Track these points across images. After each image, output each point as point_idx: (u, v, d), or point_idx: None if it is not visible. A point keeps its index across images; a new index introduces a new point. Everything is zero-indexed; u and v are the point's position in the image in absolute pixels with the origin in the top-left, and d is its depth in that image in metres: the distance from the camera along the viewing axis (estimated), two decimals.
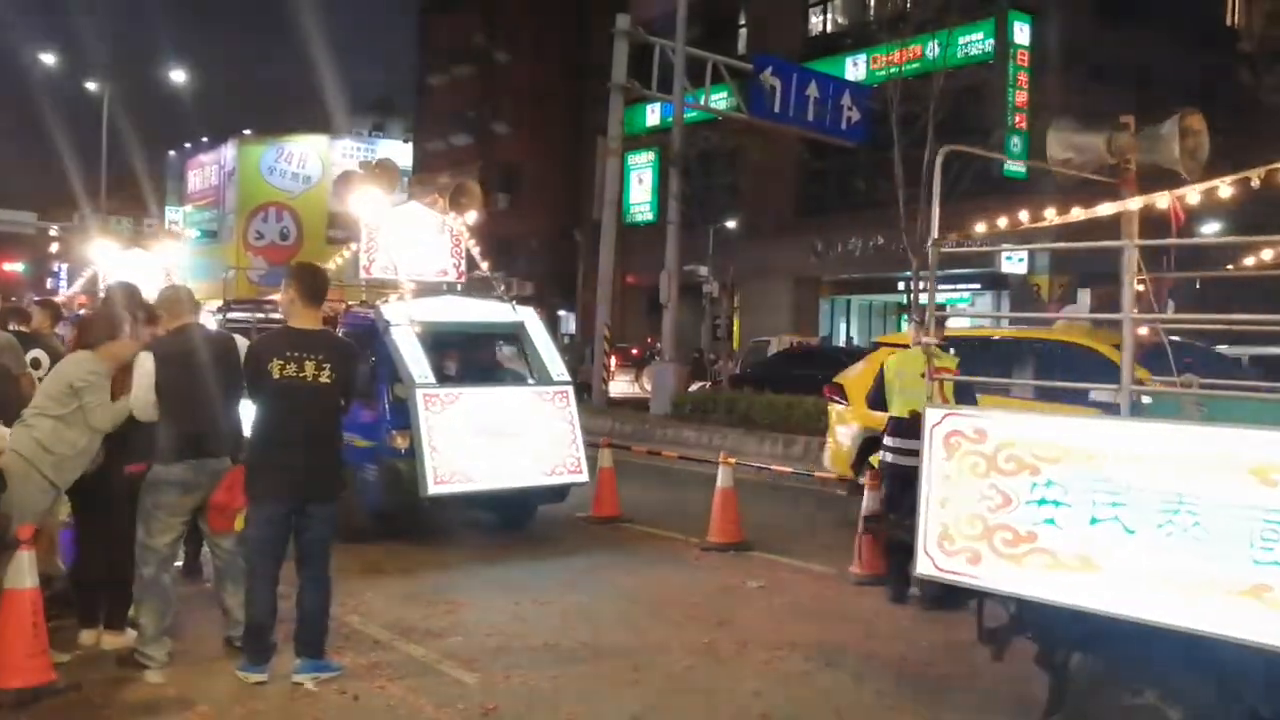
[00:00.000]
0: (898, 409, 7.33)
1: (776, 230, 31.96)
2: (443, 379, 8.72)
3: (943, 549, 4.55)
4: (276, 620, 5.57)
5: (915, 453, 7.08)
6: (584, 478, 8.93)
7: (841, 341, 32.82)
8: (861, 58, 28.89)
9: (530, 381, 9.35)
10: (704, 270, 27.73)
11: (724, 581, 7.86)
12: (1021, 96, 27.55)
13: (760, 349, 27.17)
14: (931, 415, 4.67)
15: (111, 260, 13.40)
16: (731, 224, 32.67)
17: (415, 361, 8.46)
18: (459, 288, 10.07)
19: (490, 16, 45.50)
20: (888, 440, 7.41)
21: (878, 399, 7.62)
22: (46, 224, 37.16)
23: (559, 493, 9.15)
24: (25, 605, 4.89)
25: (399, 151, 51.26)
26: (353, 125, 53.71)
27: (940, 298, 30.41)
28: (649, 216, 36.28)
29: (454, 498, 8.36)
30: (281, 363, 5.39)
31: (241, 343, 5.87)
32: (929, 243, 5.49)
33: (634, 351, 31.70)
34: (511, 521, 9.64)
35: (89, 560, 5.88)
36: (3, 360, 6.16)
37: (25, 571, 4.89)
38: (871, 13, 29.69)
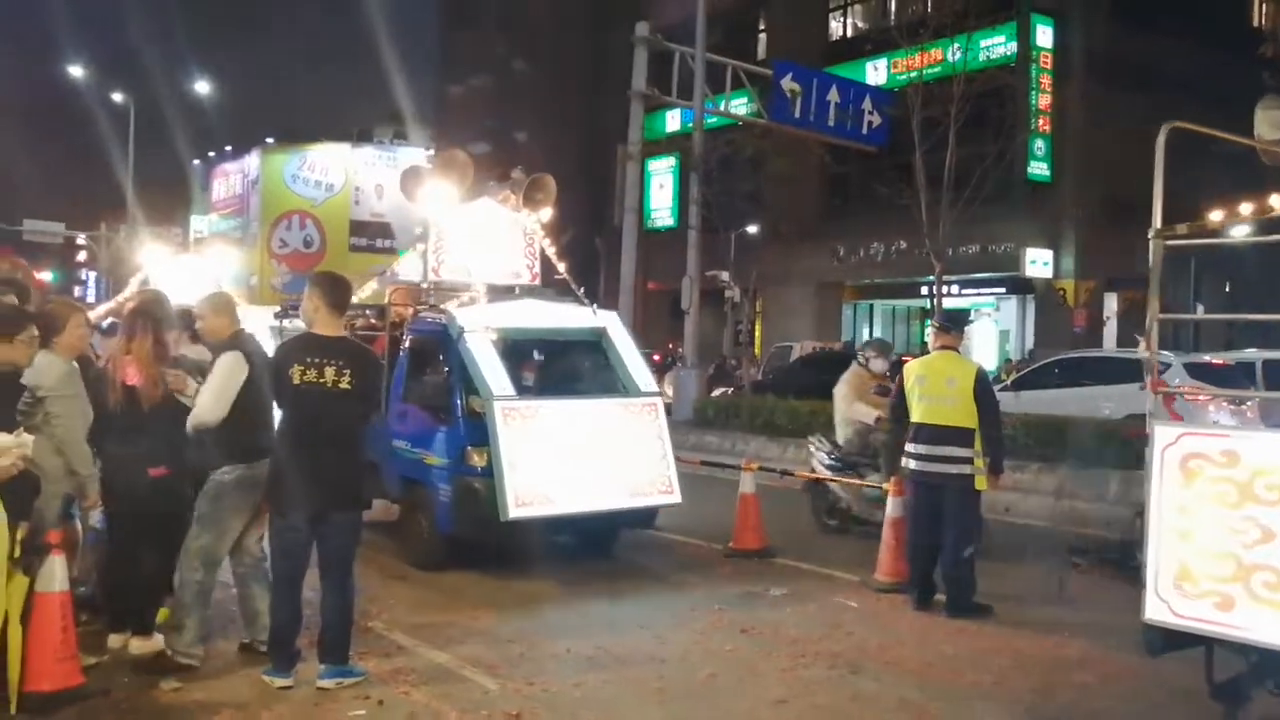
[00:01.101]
0: (919, 416, 7.30)
1: (798, 235, 31.90)
2: (520, 390, 8.07)
3: (1181, 591, 3.95)
4: (302, 626, 5.61)
5: (938, 459, 7.15)
6: (676, 499, 8.19)
7: None
8: (882, 62, 28.85)
9: (616, 393, 8.55)
10: (725, 275, 27.72)
11: (747, 588, 7.85)
12: (1045, 99, 27.44)
13: (782, 354, 27.13)
14: (1162, 435, 4.12)
15: (162, 266, 13.40)
16: (753, 229, 32.64)
17: (493, 371, 7.80)
18: (528, 291, 9.32)
19: (510, 25, 45.66)
20: (910, 448, 7.36)
21: (899, 406, 7.58)
22: (74, 233, 37.51)
23: (648, 516, 8.40)
24: (55, 609, 4.94)
25: (421, 160, 51.49)
26: (374, 134, 54.05)
27: (963, 302, 30.32)
28: (670, 222, 36.32)
29: (536, 522, 7.63)
30: (301, 369, 5.43)
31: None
32: (1150, 234, 4.85)
33: (656, 357, 31.67)
34: (592, 546, 8.79)
35: (118, 565, 5.93)
36: None
37: (56, 576, 4.95)
38: (893, 17, 29.65)
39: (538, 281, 9.39)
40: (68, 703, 4.96)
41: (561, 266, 9.54)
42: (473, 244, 8.90)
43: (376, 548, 8.57)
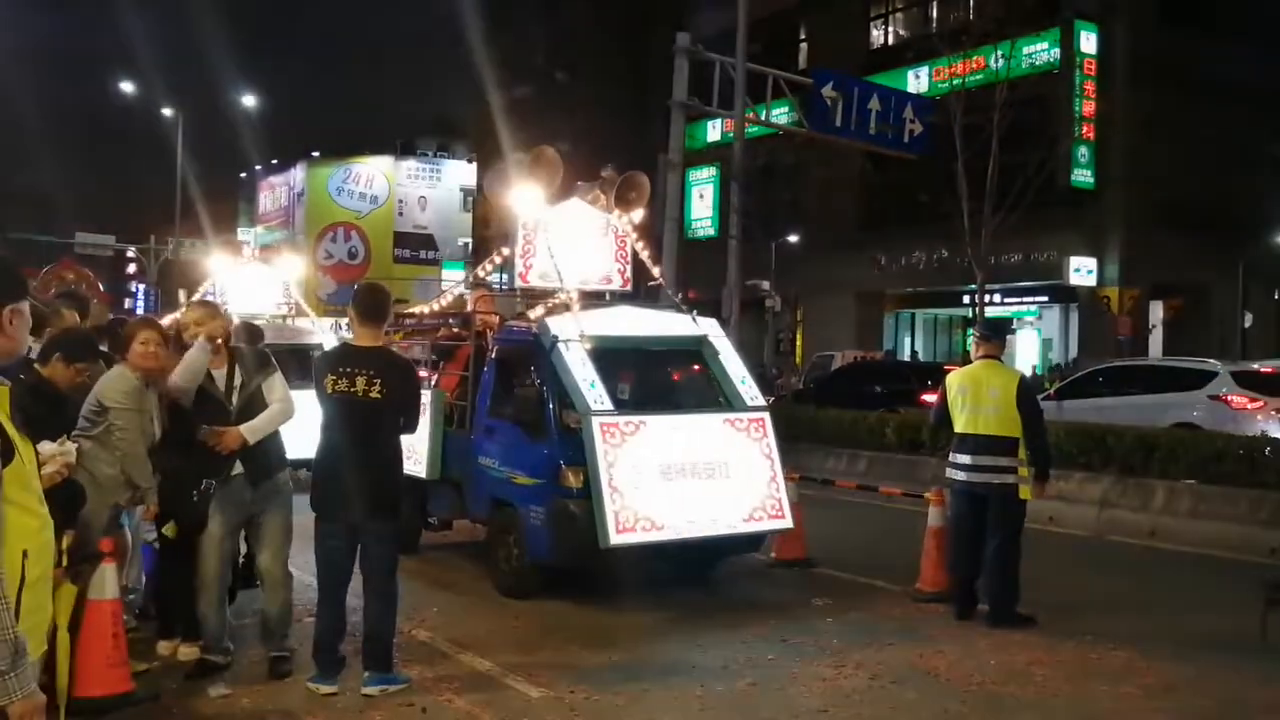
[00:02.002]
0: (961, 426, 7.25)
1: (839, 244, 31.81)
2: (617, 404, 7.45)
3: None
4: (345, 634, 5.68)
5: (982, 469, 7.11)
6: (787, 523, 7.64)
7: (906, 356, 32.52)
8: (924, 70, 28.71)
9: (721, 407, 7.91)
10: (766, 285, 27.68)
11: (788, 598, 7.83)
12: (1088, 106, 27.18)
13: (824, 364, 27.03)
14: None
15: (230, 275, 12.96)
16: (794, 238, 32.59)
17: (589, 384, 7.24)
18: (618, 297, 8.74)
19: (551, 37, 45.93)
20: (954, 458, 7.32)
21: (941, 416, 7.54)
22: (124, 246, 38.16)
23: (755, 541, 7.90)
24: (106, 616, 5.04)
25: (464, 172, 51.97)
26: (417, 146, 54.59)
27: (1006, 311, 30.07)
28: (710, 231, 36.31)
29: (639, 549, 7.04)
30: (334, 378, 5.54)
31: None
32: None
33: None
34: (689, 570, 8.17)
35: (169, 573, 6.05)
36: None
37: (107, 583, 5.05)
38: (934, 25, 29.52)
39: (629, 287, 8.83)
40: (117, 709, 5.06)
41: (656, 271, 8.92)
42: (562, 247, 8.26)
43: (450, 567, 8.59)
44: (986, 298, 25.14)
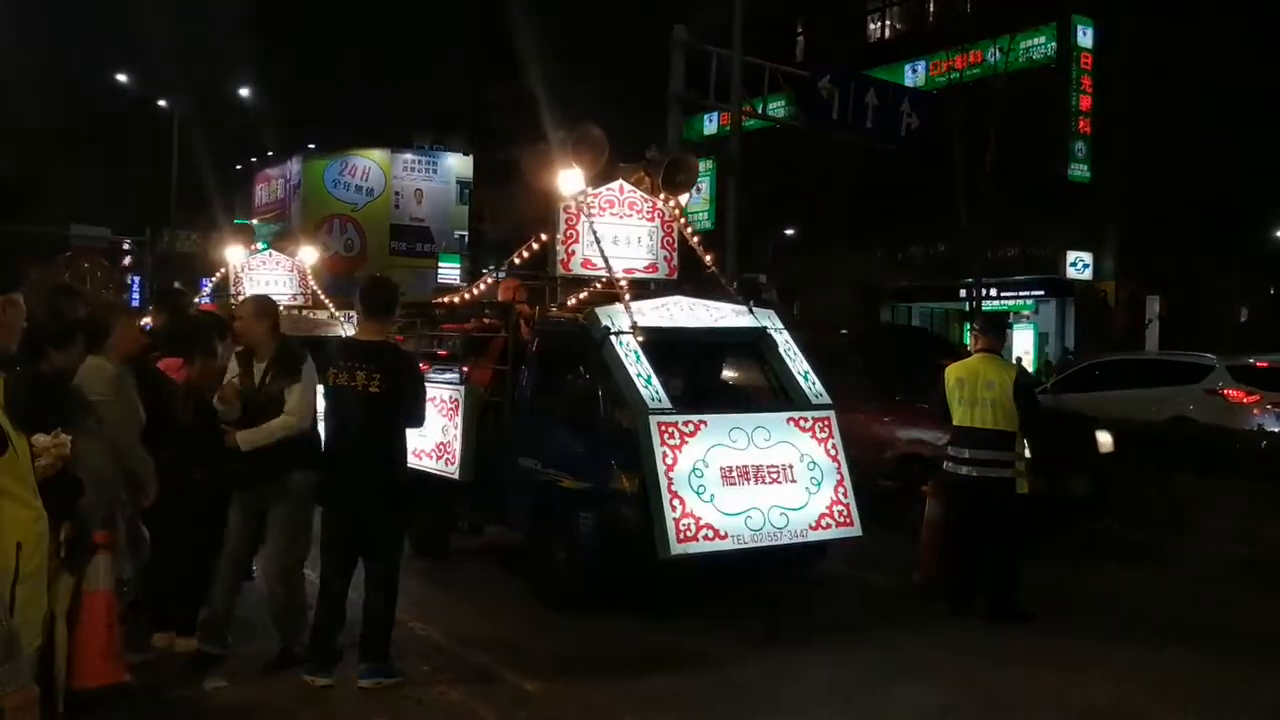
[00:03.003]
0: (959, 419, 7.25)
1: (836, 237, 31.80)
2: (673, 402, 6.92)
3: None
4: (343, 626, 5.68)
5: (979, 463, 7.10)
6: (856, 531, 7.08)
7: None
8: (921, 64, 28.69)
9: (783, 404, 7.38)
10: (763, 278, 27.66)
11: (783, 588, 7.81)
12: (1085, 100, 27.18)
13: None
14: None
15: (244, 264, 12.38)
16: (790, 231, 32.57)
17: (645, 380, 6.75)
18: (663, 286, 8.16)
19: (547, 29, 45.79)
20: (951, 451, 7.31)
21: (943, 409, 7.52)
22: (120, 238, 38.07)
23: (821, 550, 7.31)
24: (101, 608, 5.03)
25: (460, 165, 51.89)
26: (413, 139, 54.50)
27: (1002, 304, 30.07)
28: (707, 224, 36.28)
29: (701, 559, 6.49)
30: (335, 372, 5.57)
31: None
32: None
33: None
34: (747, 581, 7.57)
35: (164, 565, 6.03)
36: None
37: (102, 575, 5.04)
38: (931, 18, 29.49)
39: (675, 276, 8.31)
40: (113, 700, 5.04)
41: (708, 258, 8.40)
42: (606, 232, 7.73)
43: (448, 561, 8.43)
44: (983, 291, 25.17)
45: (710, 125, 34.59)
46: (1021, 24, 24.12)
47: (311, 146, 52.07)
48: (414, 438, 7.59)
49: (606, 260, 7.57)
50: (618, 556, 6.74)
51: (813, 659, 6.23)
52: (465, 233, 49.78)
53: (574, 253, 7.74)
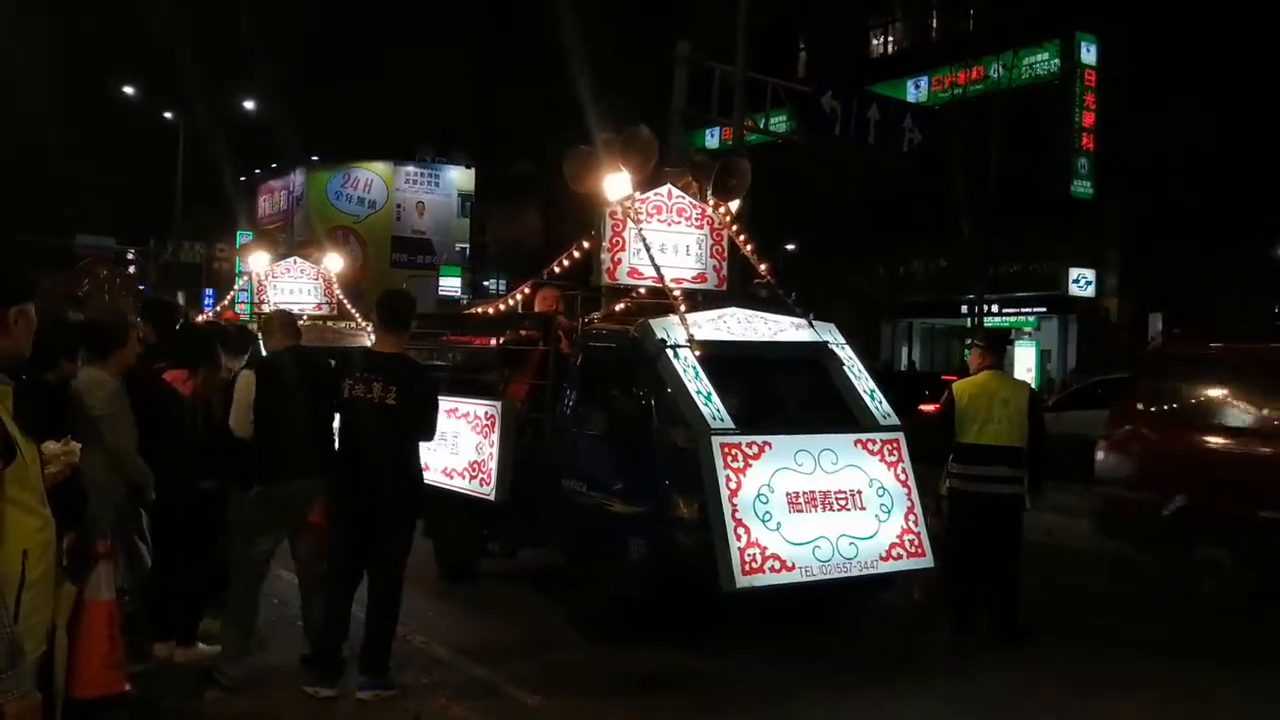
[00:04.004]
0: (971, 436, 7.17)
1: (838, 253, 31.84)
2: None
3: None
4: (347, 637, 5.67)
5: (991, 479, 7.06)
6: (928, 561, 6.64)
7: (903, 365, 32.53)
8: (923, 80, 28.77)
9: (850, 425, 6.89)
10: (764, 294, 27.65)
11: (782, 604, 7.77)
12: (1089, 117, 27.24)
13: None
14: None
15: (268, 271, 11.93)
16: (791, 246, 32.59)
17: (704, 397, 6.32)
18: (711, 297, 7.65)
19: (549, 45, 45.97)
20: (959, 468, 7.24)
21: (944, 426, 7.45)
22: (125, 248, 38.18)
23: (887, 582, 6.82)
24: (103, 617, 5.01)
25: (462, 178, 52.02)
26: (416, 152, 54.64)
27: (1004, 321, 30.08)
28: None
29: (769, 592, 6.05)
30: (351, 383, 5.57)
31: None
32: None
33: None
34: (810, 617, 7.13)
35: (162, 575, 6.02)
36: None
37: (103, 584, 5.03)
38: (934, 34, 29.57)
39: (725, 287, 7.88)
40: (113, 710, 5.03)
41: (762, 267, 7.96)
42: (653, 240, 7.31)
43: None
44: (985, 308, 25.17)
45: (712, 140, 34.66)
46: (1024, 40, 24.19)
47: (314, 158, 52.20)
48: (445, 456, 7.58)
49: (658, 269, 7.18)
50: (672, 587, 6.30)
51: (827, 676, 6.20)
52: (466, 245, 49.88)
53: (620, 261, 7.35)
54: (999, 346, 8.18)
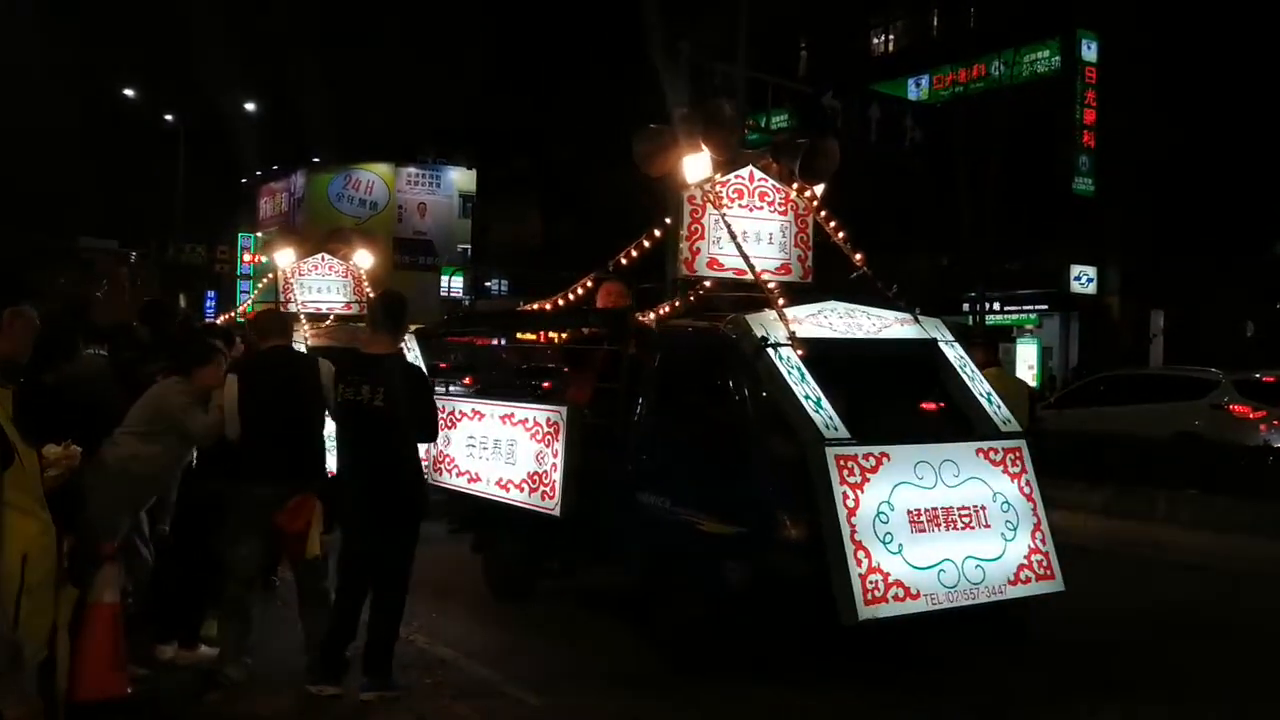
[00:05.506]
0: None
1: (839, 251, 31.84)
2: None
3: None
4: (353, 638, 5.67)
5: None
6: (1058, 585, 5.93)
7: None
8: (924, 78, 28.75)
9: (967, 432, 6.27)
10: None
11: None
12: (1090, 115, 27.23)
13: None
14: None
15: (294, 269, 11.31)
16: None
17: (814, 402, 5.67)
18: (796, 290, 6.96)
19: (551, 43, 45.99)
20: None
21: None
22: (127, 251, 38.23)
23: (1004, 608, 5.96)
24: (107, 619, 5.01)
25: (463, 179, 52.04)
26: (416, 153, 54.67)
27: (1005, 319, 30.06)
28: None
29: (891, 623, 5.40)
30: (343, 385, 5.57)
31: (326, 367, 5.89)
32: None
33: None
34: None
35: (164, 577, 6.03)
36: (96, 386, 6.28)
37: (108, 587, 5.03)
38: (934, 32, 29.56)
39: (810, 278, 7.29)
40: (115, 712, 5.03)
41: (856, 256, 7.36)
42: (734, 227, 6.68)
43: (453, 573, 8.03)
44: (986, 306, 25.15)
45: None
46: (1025, 38, 24.21)
47: (315, 160, 52.22)
48: (500, 466, 7.22)
49: (747, 260, 6.53)
50: (778, 617, 5.66)
51: (840, 676, 6.19)
52: (468, 246, 49.91)
53: (698, 251, 6.68)
54: (993, 343, 8.16)
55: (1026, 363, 26.86)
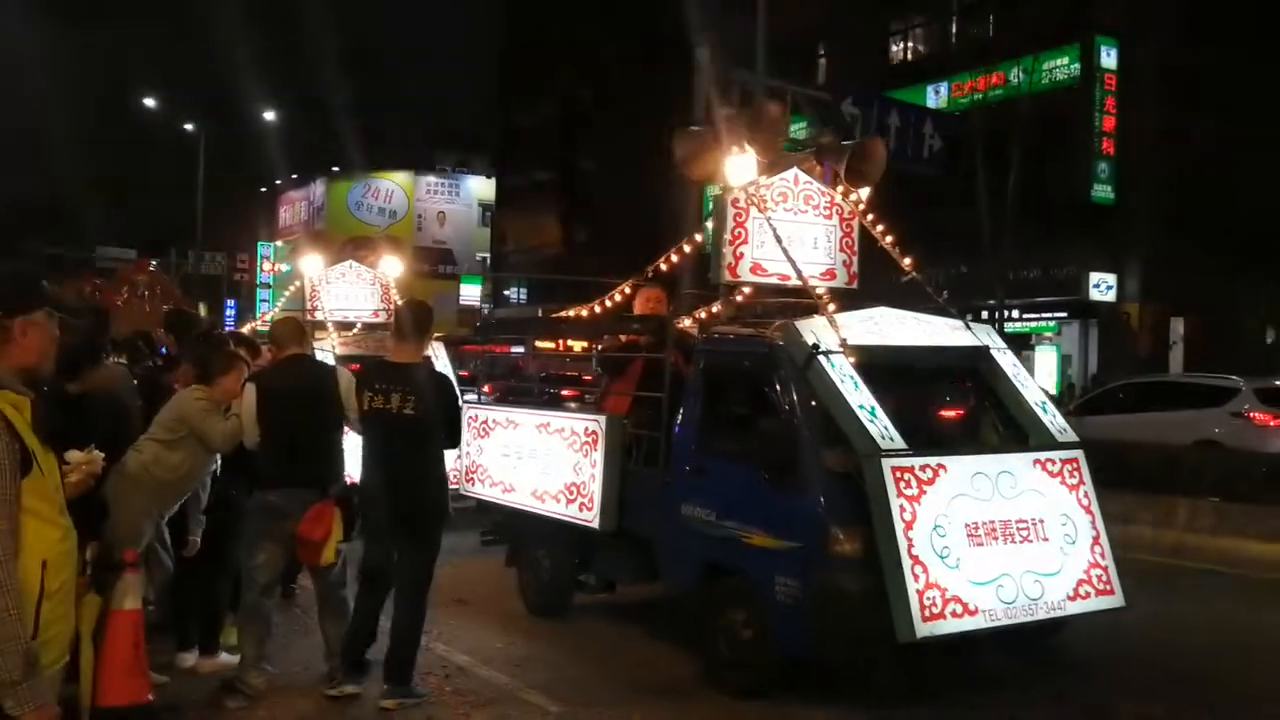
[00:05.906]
0: None
1: (859, 258, 31.75)
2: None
3: None
4: (372, 642, 5.71)
5: None
6: (1119, 600, 5.80)
7: None
8: (943, 85, 28.67)
9: (1024, 443, 6.17)
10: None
11: None
12: (1109, 121, 27.11)
13: None
14: None
15: (321, 276, 11.08)
16: None
17: (869, 412, 5.50)
18: (840, 296, 6.78)
19: (573, 51, 46.11)
20: None
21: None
22: (146, 260, 38.47)
23: (1061, 624, 5.87)
24: (128, 626, 5.04)
25: (482, 187, 52.23)
26: (436, 161, 54.94)
27: (1024, 326, 29.92)
28: None
29: (950, 641, 5.25)
30: (370, 394, 5.59)
31: (345, 376, 5.92)
32: None
33: None
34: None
35: (187, 584, 6.06)
36: (119, 394, 6.32)
37: (130, 594, 5.06)
38: (953, 40, 29.49)
39: (855, 284, 7.11)
40: (137, 719, 5.06)
41: (905, 262, 7.20)
42: (781, 232, 6.44)
43: (471, 581, 8.12)
44: (1005, 313, 25.03)
45: None
46: (1045, 45, 24.10)
47: (335, 169, 52.52)
48: (535, 477, 7.19)
49: (795, 264, 6.33)
50: (838, 636, 5.39)
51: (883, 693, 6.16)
52: (487, 255, 50.08)
53: (742, 255, 6.48)
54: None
55: (1046, 370, 26.76)
